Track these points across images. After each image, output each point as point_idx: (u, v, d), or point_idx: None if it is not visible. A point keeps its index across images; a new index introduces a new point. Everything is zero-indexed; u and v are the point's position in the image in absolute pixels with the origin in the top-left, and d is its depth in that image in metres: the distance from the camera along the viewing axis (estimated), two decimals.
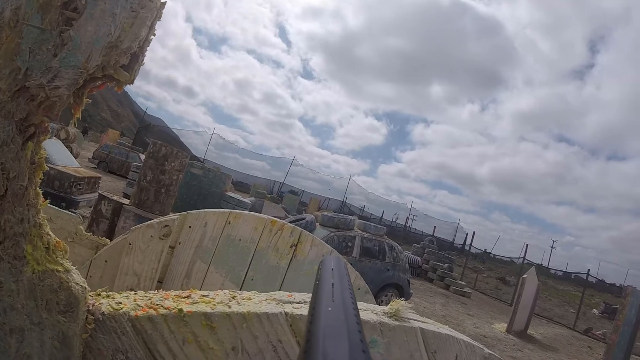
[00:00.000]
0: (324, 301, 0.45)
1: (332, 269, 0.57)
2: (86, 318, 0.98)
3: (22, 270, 0.91)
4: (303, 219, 8.48)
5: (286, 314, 0.95)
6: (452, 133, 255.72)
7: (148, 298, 1.07)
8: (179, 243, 1.98)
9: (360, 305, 1.08)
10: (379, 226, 8.98)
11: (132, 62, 0.98)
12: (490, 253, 34.49)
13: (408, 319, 1.05)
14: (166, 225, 1.93)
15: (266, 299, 1.03)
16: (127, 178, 14.40)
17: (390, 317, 1.02)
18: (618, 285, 35.21)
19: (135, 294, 1.11)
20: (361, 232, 8.54)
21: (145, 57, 1.03)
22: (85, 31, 0.89)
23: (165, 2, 0.98)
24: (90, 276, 1.78)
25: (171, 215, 2.02)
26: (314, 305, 0.45)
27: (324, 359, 0.33)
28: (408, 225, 36.40)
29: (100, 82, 0.98)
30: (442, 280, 17.96)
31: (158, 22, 1.00)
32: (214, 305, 0.99)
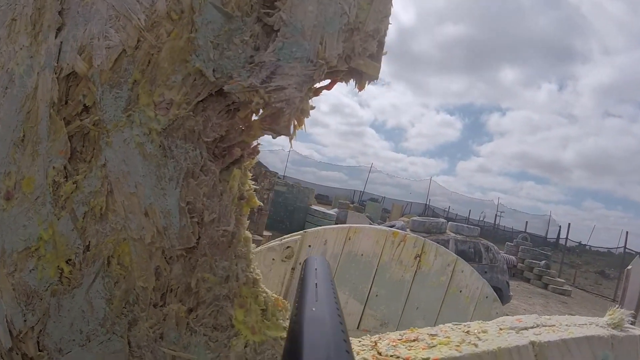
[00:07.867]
0: (308, 301, 0.44)
1: (316, 269, 0.56)
2: None
3: (227, 344, 0.66)
4: (393, 226, 8.32)
5: (532, 343, 0.85)
6: (531, 118, 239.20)
7: (371, 347, 0.90)
8: (299, 263, 1.95)
9: (577, 319, 1.01)
10: (472, 227, 8.62)
11: (379, 50, 0.73)
12: (586, 245, 31.40)
13: (628, 327, 1.00)
14: (288, 247, 1.91)
15: (500, 328, 0.93)
16: None
17: (615, 329, 0.97)
18: None
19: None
20: (454, 235, 8.30)
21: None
22: (304, 12, 0.62)
23: None
24: None
25: (291, 236, 2.00)
26: (297, 305, 0.44)
27: None
28: (497, 223, 34.20)
29: (330, 79, 0.73)
30: (539, 279, 16.81)
31: None
32: (457, 346, 0.88)
